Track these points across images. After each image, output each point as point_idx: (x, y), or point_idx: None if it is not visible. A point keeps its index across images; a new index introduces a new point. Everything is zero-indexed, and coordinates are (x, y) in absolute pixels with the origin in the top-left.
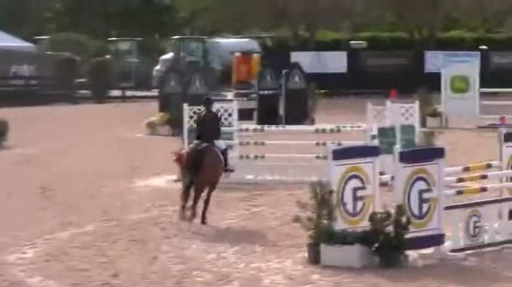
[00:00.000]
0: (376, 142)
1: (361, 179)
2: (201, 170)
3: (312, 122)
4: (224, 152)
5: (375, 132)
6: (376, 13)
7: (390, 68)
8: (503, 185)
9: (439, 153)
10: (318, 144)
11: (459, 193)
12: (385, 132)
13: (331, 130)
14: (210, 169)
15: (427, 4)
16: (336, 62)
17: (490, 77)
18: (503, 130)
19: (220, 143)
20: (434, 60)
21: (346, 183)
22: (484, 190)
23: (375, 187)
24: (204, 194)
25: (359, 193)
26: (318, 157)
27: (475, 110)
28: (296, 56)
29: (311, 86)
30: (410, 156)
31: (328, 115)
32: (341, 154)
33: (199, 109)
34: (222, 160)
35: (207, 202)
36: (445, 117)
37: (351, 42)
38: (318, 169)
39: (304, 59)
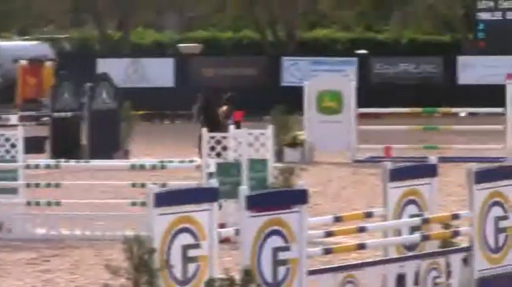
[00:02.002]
0: (214, 182)
1: (193, 234)
2: None
3: (126, 155)
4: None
5: (212, 169)
6: (213, 5)
7: (233, 81)
8: (389, 240)
9: (300, 197)
10: (134, 185)
11: (328, 251)
12: (227, 169)
13: (153, 167)
14: None
15: None
16: (160, 72)
17: (371, 93)
18: (389, 165)
19: None
20: (294, 70)
21: (173, 239)
22: (362, 247)
23: (213, 244)
24: None
25: (191, 253)
26: (134, 204)
27: (350, 138)
28: (104, 65)
29: (125, 105)
30: (261, 201)
31: (149, 146)
32: (166, 198)
33: None
34: None
35: None
36: (309, 148)
37: (180, 45)
38: (135, 220)
39: (116, 69)
